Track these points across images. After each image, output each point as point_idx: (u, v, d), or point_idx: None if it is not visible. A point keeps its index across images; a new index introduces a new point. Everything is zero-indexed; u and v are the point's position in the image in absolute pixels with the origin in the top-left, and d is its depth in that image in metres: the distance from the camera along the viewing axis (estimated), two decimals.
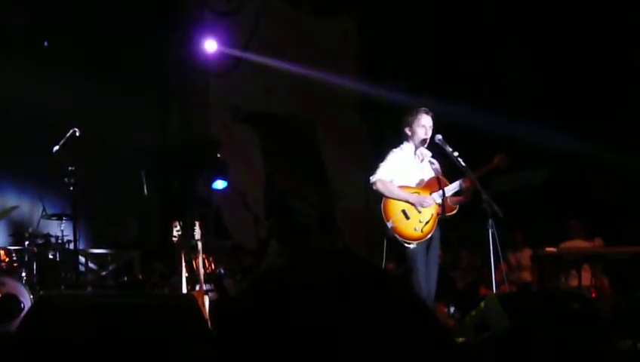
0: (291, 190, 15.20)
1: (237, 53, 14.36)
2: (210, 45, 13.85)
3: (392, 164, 8.33)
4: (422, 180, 8.39)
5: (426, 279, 8.08)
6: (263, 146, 15.22)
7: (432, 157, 8.50)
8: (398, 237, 8.15)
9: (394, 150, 8.43)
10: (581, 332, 5.61)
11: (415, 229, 8.17)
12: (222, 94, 14.62)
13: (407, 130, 8.41)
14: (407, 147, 8.43)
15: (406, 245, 8.13)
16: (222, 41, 13.96)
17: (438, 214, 8.29)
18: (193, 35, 13.82)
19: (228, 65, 14.46)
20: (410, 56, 14.23)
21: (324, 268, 1.45)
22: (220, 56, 14.14)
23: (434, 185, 8.35)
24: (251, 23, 14.69)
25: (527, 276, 12.65)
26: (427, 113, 8.40)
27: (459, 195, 8.36)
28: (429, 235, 8.21)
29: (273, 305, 1.39)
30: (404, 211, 8.21)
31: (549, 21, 13.22)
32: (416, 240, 8.15)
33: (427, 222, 8.22)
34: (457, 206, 8.37)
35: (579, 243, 11.95)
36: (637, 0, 12.24)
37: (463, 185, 8.28)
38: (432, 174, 8.42)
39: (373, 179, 8.28)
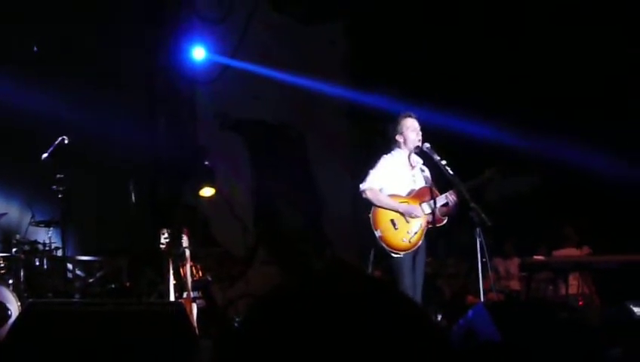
0: (279, 197, 15.19)
1: (225, 60, 14.35)
2: (199, 52, 13.85)
3: (382, 171, 8.32)
4: (412, 189, 8.37)
5: (412, 288, 8.06)
6: (251, 154, 15.22)
7: (423, 164, 8.49)
8: (385, 246, 8.13)
9: (384, 156, 8.42)
10: (569, 341, 5.62)
11: (403, 240, 8.15)
12: (210, 101, 14.62)
13: (398, 137, 8.39)
14: (398, 154, 8.41)
15: (393, 255, 8.12)
16: (210, 48, 13.96)
17: (428, 223, 8.26)
18: (181, 43, 13.82)
19: (216, 73, 14.45)
20: (398, 64, 14.23)
21: (330, 286, 1.45)
22: (209, 64, 14.14)
23: (424, 194, 8.33)
24: (240, 30, 14.69)
25: (515, 284, 12.67)
26: (414, 117, 8.40)
27: (446, 206, 8.35)
28: (417, 245, 8.19)
29: (284, 332, 1.39)
30: (392, 221, 8.20)
31: (538, 26, 13.26)
32: (403, 250, 8.13)
33: (415, 233, 8.19)
34: (446, 218, 8.37)
35: (572, 252, 11.98)
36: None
37: (450, 198, 8.26)
38: (422, 183, 8.41)
39: (362, 187, 8.27)
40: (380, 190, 8.27)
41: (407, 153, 8.40)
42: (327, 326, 1.35)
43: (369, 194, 8.24)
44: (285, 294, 1.46)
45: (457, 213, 8.31)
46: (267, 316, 1.41)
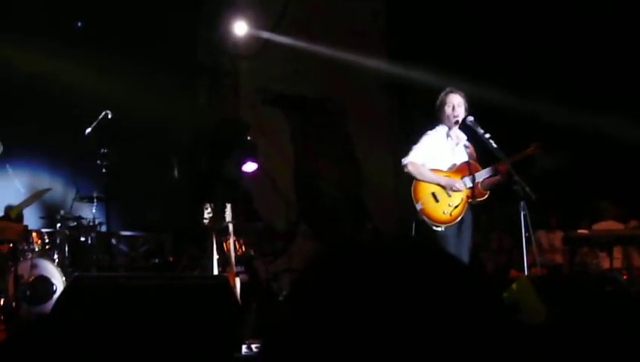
0: (320, 172, 15.20)
1: (266, 35, 14.34)
2: (240, 27, 13.84)
3: (424, 147, 8.31)
4: (454, 164, 8.36)
5: None
6: (292, 128, 15.23)
7: (467, 140, 8.46)
8: (426, 219, 8.14)
9: (428, 132, 8.40)
10: (614, 314, 5.58)
11: (444, 213, 8.15)
12: (251, 76, 14.63)
13: (439, 113, 8.39)
14: (440, 129, 8.40)
15: (434, 228, 8.12)
16: (251, 23, 13.95)
17: (468, 198, 8.25)
18: (223, 17, 13.82)
19: (257, 47, 14.45)
20: (439, 37, 14.15)
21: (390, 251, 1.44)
22: (250, 38, 14.14)
23: (466, 169, 8.31)
24: (281, 5, 14.67)
25: (559, 258, 12.59)
26: (455, 92, 8.35)
27: (494, 176, 8.31)
28: (458, 219, 8.18)
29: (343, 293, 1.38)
30: (433, 194, 8.19)
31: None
32: (444, 223, 8.13)
33: (456, 206, 8.18)
34: (488, 192, 8.33)
35: (611, 225, 11.88)
36: None
37: (498, 169, 8.23)
38: (465, 158, 8.38)
39: (404, 161, 8.27)
40: (423, 165, 8.26)
41: (447, 129, 8.38)
42: (387, 290, 1.34)
43: (411, 168, 8.24)
44: (340, 258, 1.45)
45: (503, 186, 8.27)
46: (321, 280, 1.40)
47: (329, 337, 1.32)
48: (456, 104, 8.30)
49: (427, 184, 8.23)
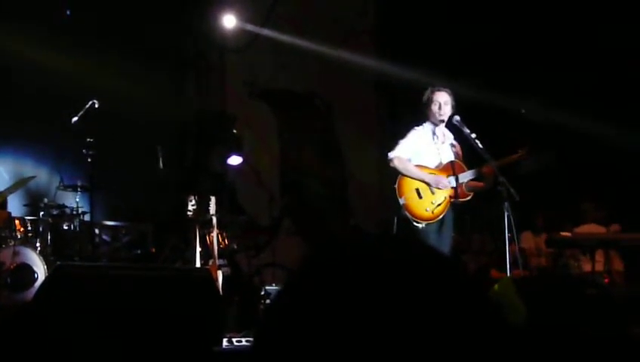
0: (305, 167, 15.21)
1: (255, 29, 14.32)
2: (229, 20, 13.81)
3: (411, 142, 8.33)
4: (440, 162, 8.38)
5: None
6: (278, 123, 15.23)
7: (454, 139, 8.47)
8: (408, 214, 8.17)
9: (415, 128, 8.41)
10: (597, 318, 5.60)
11: (426, 210, 8.18)
12: (238, 70, 14.62)
13: (425, 110, 8.39)
14: (427, 126, 8.41)
15: (415, 224, 8.14)
16: (240, 17, 13.92)
17: (451, 198, 8.28)
18: (212, 10, 13.79)
19: (245, 41, 14.43)
20: (428, 35, 14.17)
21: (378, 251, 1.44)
22: (238, 32, 14.12)
23: (451, 168, 8.34)
24: (270, 0, 14.65)
25: (543, 260, 12.64)
26: (441, 90, 8.37)
27: (479, 181, 8.34)
28: (439, 217, 8.20)
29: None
30: (417, 190, 8.22)
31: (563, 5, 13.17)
32: (425, 220, 8.17)
33: (439, 205, 8.21)
34: (472, 193, 8.36)
35: (592, 228, 11.93)
36: None
37: (483, 172, 8.26)
38: (451, 157, 8.41)
39: (391, 155, 8.28)
40: (409, 160, 8.27)
41: (433, 126, 8.39)
42: (377, 291, 1.35)
43: (396, 163, 8.25)
44: (327, 260, 1.45)
45: (489, 188, 8.29)
46: (310, 284, 1.41)
47: (319, 340, 1.32)
48: (442, 102, 8.30)
49: (412, 180, 8.26)
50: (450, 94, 8.35)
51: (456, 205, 8.33)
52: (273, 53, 14.60)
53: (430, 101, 8.34)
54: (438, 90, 8.37)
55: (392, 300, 1.33)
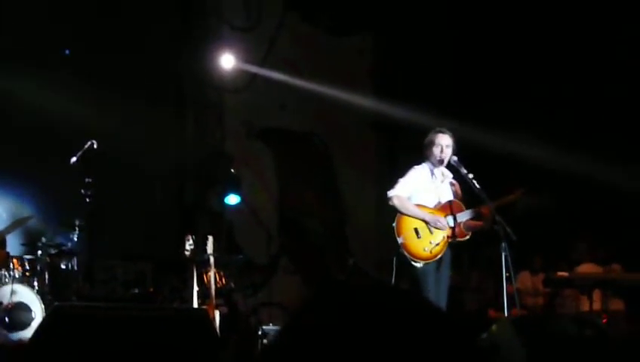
0: (303, 207, 15.21)
1: (253, 69, 14.38)
2: (227, 60, 13.86)
3: (411, 181, 8.35)
4: (439, 202, 8.40)
5: (436, 300, 8.03)
6: (277, 162, 15.25)
7: (453, 178, 8.50)
8: (406, 254, 8.16)
9: (415, 167, 8.44)
10: (594, 358, 5.60)
11: (424, 249, 8.18)
12: (237, 109, 14.66)
13: (426, 151, 8.42)
14: (425, 166, 8.44)
15: (413, 263, 8.14)
16: (239, 57, 13.98)
17: (449, 238, 8.28)
18: (211, 50, 13.85)
19: (244, 81, 14.49)
20: (425, 76, 14.24)
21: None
22: (237, 72, 14.17)
23: (449, 208, 8.36)
24: (269, 40, 14.72)
25: (541, 300, 12.62)
26: (445, 132, 8.41)
27: (477, 220, 8.36)
28: (438, 257, 8.21)
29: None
30: (416, 229, 8.23)
31: (562, 41, 13.23)
32: (424, 259, 8.17)
33: (437, 244, 8.22)
34: (470, 232, 8.37)
35: (590, 268, 11.92)
36: None
37: (481, 212, 8.28)
38: (450, 196, 8.43)
39: (390, 194, 8.29)
40: (408, 199, 8.29)
41: (432, 166, 8.42)
42: (362, 339, 1.36)
43: (396, 201, 8.27)
44: (320, 306, 1.47)
45: (487, 228, 8.30)
46: (310, 327, 1.42)
47: None
48: (444, 145, 8.34)
49: (411, 219, 8.27)
50: (452, 137, 8.39)
51: (454, 244, 8.34)
52: (271, 93, 14.64)
53: (432, 143, 8.37)
54: (442, 133, 8.40)
55: (387, 348, 1.34)
